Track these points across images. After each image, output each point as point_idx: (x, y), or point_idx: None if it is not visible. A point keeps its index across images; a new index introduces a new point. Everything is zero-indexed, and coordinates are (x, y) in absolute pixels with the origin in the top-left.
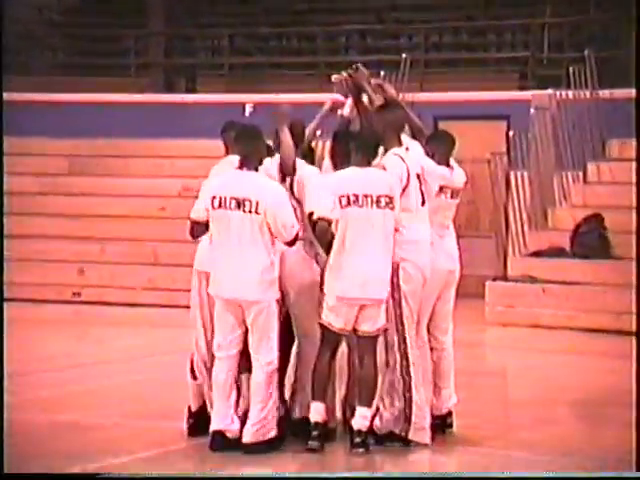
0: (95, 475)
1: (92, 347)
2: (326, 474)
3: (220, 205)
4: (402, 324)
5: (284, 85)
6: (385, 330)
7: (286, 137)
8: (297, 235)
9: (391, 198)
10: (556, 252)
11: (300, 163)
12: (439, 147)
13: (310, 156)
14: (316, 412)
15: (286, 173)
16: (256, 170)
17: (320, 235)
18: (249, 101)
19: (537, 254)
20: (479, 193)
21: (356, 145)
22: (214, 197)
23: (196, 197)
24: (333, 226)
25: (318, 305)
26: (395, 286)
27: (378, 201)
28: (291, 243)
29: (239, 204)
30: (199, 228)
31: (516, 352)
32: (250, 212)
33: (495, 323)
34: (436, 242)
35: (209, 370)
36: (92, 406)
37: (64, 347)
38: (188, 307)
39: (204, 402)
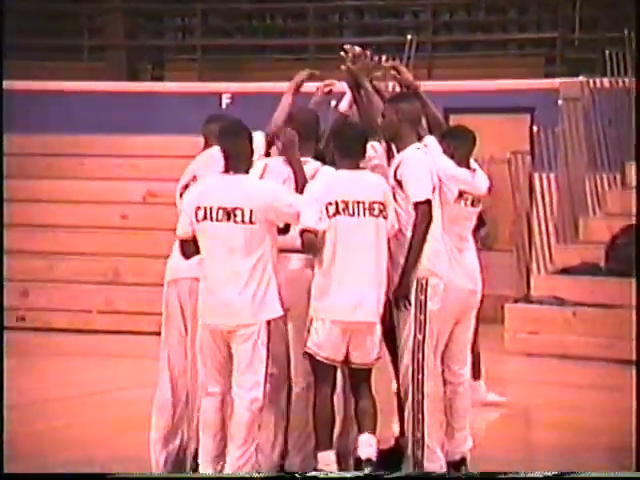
0: (96, 475)
1: (35, 382)
2: (327, 474)
3: (205, 217)
4: (422, 350)
5: (268, 72)
6: (393, 355)
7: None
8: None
9: (385, 205)
10: (588, 269)
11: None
12: (458, 145)
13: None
14: (325, 464)
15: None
16: (246, 173)
17: (307, 249)
18: (226, 91)
19: (566, 271)
20: (498, 199)
21: (338, 145)
22: (198, 208)
23: (163, 203)
24: (320, 238)
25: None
26: (421, 305)
27: (371, 208)
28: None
29: (228, 215)
30: (189, 246)
31: (541, 387)
32: (243, 222)
33: (516, 352)
34: (455, 257)
35: (186, 404)
36: (27, 455)
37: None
38: (152, 333)
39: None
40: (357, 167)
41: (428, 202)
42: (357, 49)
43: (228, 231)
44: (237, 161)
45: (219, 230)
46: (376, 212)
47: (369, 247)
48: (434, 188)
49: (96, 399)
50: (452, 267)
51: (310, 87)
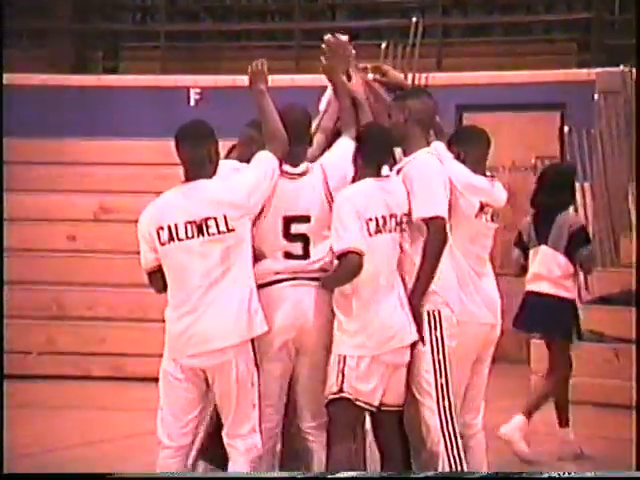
0: (96, 475)
1: None
2: (325, 474)
3: (172, 237)
4: (447, 398)
5: (245, 62)
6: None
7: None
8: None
9: (409, 217)
10: (632, 298)
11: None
12: (470, 150)
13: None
14: None
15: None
16: (210, 178)
17: (348, 276)
18: (195, 85)
19: (605, 300)
20: (520, 214)
21: (368, 150)
22: (160, 228)
23: (119, 221)
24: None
25: (325, 378)
26: (437, 343)
27: (401, 222)
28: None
29: (200, 228)
30: (158, 280)
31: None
32: (219, 232)
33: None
34: (473, 283)
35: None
36: None
37: None
38: (105, 378)
39: None
40: (378, 174)
41: (442, 218)
42: (342, 38)
43: (203, 247)
44: (198, 168)
45: (192, 248)
46: (404, 226)
47: (395, 265)
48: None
49: (33, 461)
50: (470, 296)
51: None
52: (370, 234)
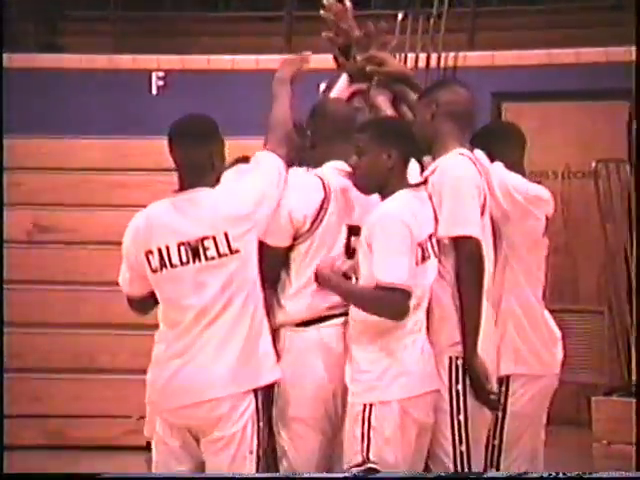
0: (95, 475)
1: None
2: (326, 474)
3: (163, 264)
4: (468, 468)
5: (220, 38)
6: None
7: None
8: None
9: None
10: None
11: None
12: (506, 150)
13: None
14: None
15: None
16: (212, 187)
17: (385, 314)
18: (158, 68)
19: None
20: (577, 231)
21: (401, 150)
22: (149, 252)
23: (58, 242)
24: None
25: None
26: (458, 401)
27: (438, 242)
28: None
29: (195, 251)
30: (139, 303)
31: None
32: (219, 256)
33: (609, 467)
34: (545, 324)
35: None
36: None
37: None
38: (37, 447)
39: None
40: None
41: (475, 239)
42: (347, 3)
43: (200, 276)
44: (196, 175)
45: (186, 277)
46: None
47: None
48: (505, 216)
49: None
50: (542, 341)
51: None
52: (417, 262)
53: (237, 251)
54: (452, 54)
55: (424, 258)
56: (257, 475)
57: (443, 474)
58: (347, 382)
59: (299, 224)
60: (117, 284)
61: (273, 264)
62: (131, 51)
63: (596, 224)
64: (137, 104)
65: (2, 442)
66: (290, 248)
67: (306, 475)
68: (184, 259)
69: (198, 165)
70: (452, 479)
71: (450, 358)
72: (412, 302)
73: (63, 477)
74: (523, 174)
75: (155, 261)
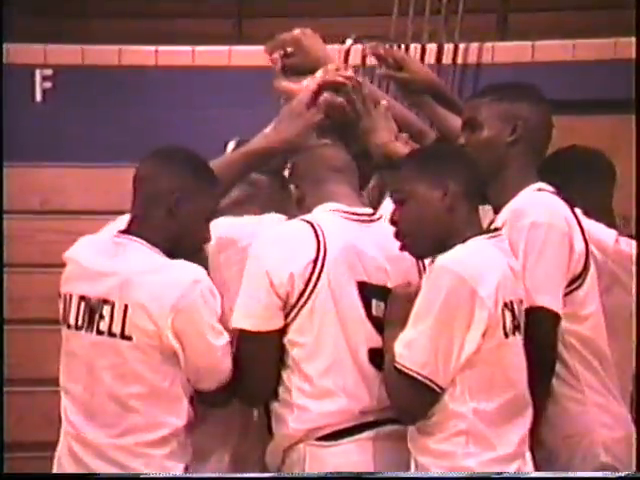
0: (95, 475)
1: None
2: (326, 474)
3: (65, 318)
4: None
5: (138, 23)
6: None
7: None
8: (229, 380)
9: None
10: None
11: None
12: (589, 189)
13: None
14: None
15: None
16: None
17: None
18: (45, 63)
19: None
20: None
21: (465, 180)
22: (59, 297)
23: None
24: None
25: None
26: None
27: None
28: (221, 395)
29: (91, 314)
30: None
31: None
32: (110, 333)
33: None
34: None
35: None
36: None
37: None
38: None
39: None
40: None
41: (555, 313)
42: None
43: (91, 350)
44: (140, 218)
45: (75, 348)
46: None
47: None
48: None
49: None
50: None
51: None
52: (506, 332)
53: (128, 338)
54: (475, 45)
55: (516, 328)
56: (257, 475)
57: (445, 474)
58: None
59: (285, 288)
60: None
61: (262, 363)
62: (9, 41)
63: None
64: (11, 116)
65: (2, 442)
66: (280, 335)
67: (305, 475)
68: (80, 322)
69: (148, 203)
70: (454, 479)
71: None
72: (510, 392)
73: (63, 477)
74: (613, 225)
75: (61, 312)
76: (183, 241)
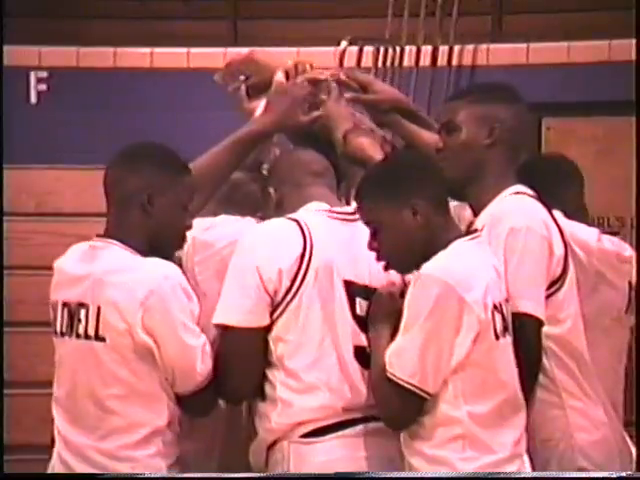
0: (95, 475)
1: None
2: (326, 474)
3: (54, 325)
4: None
5: (133, 24)
6: None
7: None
8: (209, 381)
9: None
10: None
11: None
12: (566, 193)
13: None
14: None
15: None
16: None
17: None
18: (40, 65)
19: None
20: None
21: (432, 193)
22: (51, 304)
23: None
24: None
25: None
26: None
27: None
28: (200, 397)
29: (71, 317)
30: None
31: None
32: (86, 335)
33: None
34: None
35: None
36: None
37: None
38: None
39: None
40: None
41: (538, 319)
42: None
43: (74, 356)
44: (117, 219)
45: (66, 354)
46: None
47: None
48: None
49: None
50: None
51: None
52: (497, 334)
53: (101, 339)
54: (470, 47)
55: (505, 329)
56: (256, 475)
57: (445, 474)
58: None
59: (274, 285)
60: None
61: (248, 359)
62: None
63: None
64: (6, 118)
65: (2, 442)
66: (266, 331)
67: (305, 475)
68: (64, 327)
69: (122, 205)
70: (453, 479)
71: None
72: (502, 395)
73: (63, 477)
74: (587, 224)
75: (52, 314)
76: (164, 235)
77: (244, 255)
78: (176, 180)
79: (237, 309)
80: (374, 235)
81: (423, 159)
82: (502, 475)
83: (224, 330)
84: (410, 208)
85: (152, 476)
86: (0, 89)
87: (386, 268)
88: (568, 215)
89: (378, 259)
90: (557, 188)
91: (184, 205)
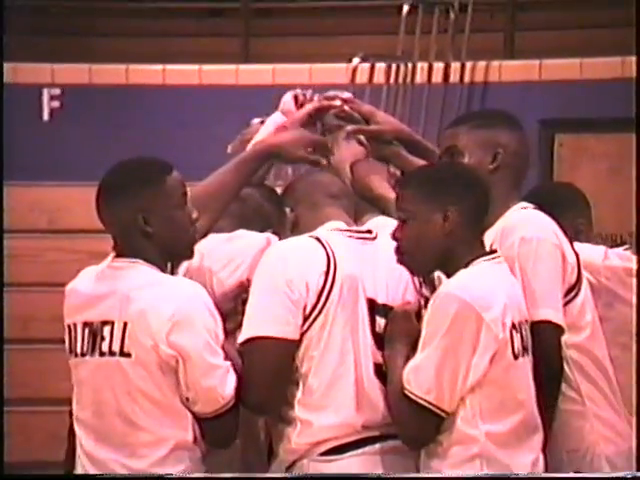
0: (95, 475)
1: None
2: (334, 474)
3: (71, 347)
4: None
5: (146, 42)
6: None
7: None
8: (234, 404)
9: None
10: None
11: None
12: (575, 220)
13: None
14: None
15: None
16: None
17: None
18: (53, 82)
19: None
20: None
21: (469, 204)
22: (68, 327)
23: None
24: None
25: None
26: None
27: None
28: (220, 420)
29: (94, 337)
30: None
31: None
32: (110, 352)
33: None
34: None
35: None
36: None
37: None
38: None
39: None
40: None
41: (558, 325)
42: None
43: (96, 373)
44: (122, 240)
45: (88, 373)
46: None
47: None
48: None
49: None
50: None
51: None
52: (515, 354)
53: (127, 354)
54: (482, 64)
55: (524, 349)
56: (257, 475)
57: (445, 474)
58: None
59: (304, 300)
60: None
61: (279, 370)
62: (11, 58)
63: None
64: (20, 135)
65: (2, 442)
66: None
67: (305, 475)
68: (85, 348)
69: (123, 227)
70: (454, 479)
71: None
72: (519, 417)
73: (63, 477)
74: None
75: (67, 342)
76: (175, 242)
77: (273, 270)
78: (163, 187)
79: (274, 320)
80: (402, 223)
81: (473, 174)
82: (508, 475)
83: (256, 343)
84: (442, 213)
85: (151, 476)
86: (0, 105)
87: (399, 262)
88: (572, 239)
89: (397, 250)
90: (565, 214)
91: (179, 204)
